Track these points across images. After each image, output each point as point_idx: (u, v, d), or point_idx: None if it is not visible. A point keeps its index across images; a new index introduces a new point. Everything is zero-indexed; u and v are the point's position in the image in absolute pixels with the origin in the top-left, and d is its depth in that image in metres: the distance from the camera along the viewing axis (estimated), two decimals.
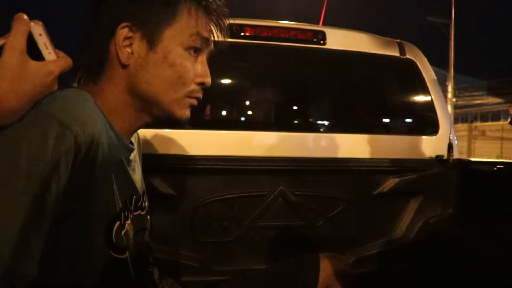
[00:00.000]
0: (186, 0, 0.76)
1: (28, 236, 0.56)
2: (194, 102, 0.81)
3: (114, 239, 0.70)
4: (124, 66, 0.74)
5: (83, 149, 0.61)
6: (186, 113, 0.81)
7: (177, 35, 0.75)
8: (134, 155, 0.85)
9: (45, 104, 0.61)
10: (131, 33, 0.73)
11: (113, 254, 0.70)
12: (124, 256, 0.73)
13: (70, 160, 0.60)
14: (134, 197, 0.81)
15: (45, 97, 0.62)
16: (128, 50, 0.74)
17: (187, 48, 0.77)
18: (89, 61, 0.75)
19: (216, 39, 0.84)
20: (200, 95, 0.82)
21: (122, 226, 0.73)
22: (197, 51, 0.79)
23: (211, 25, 0.82)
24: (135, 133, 0.92)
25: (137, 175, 0.86)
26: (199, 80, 0.80)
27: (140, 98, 0.76)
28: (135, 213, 0.81)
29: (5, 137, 0.57)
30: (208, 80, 0.81)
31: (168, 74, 0.75)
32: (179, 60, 0.76)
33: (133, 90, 0.75)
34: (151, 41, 0.74)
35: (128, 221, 0.76)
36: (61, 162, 0.59)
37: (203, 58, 0.81)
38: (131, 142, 0.84)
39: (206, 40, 0.80)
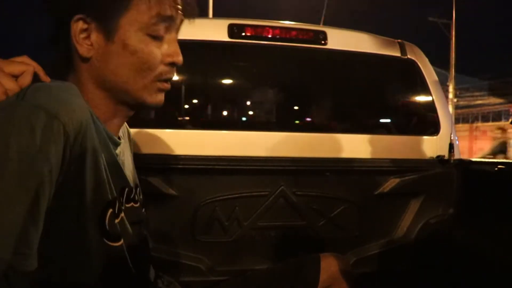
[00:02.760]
0: None
1: (26, 230, 0.56)
2: (165, 86, 0.79)
3: (107, 227, 0.69)
4: (86, 60, 0.73)
5: (72, 137, 0.61)
6: (158, 98, 0.78)
7: (134, 20, 0.72)
8: (122, 149, 0.85)
9: (30, 95, 0.60)
10: (86, 24, 0.72)
11: (107, 241, 0.69)
12: (118, 243, 0.72)
13: (61, 150, 0.59)
14: (126, 189, 0.80)
15: (29, 87, 0.62)
16: (87, 42, 0.72)
17: (149, 34, 0.74)
18: (56, 60, 0.75)
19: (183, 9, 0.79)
20: (172, 75, 0.79)
21: (115, 215, 0.72)
22: (161, 33, 0.75)
23: None
24: (124, 127, 0.92)
25: (127, 169, 0.86)
26: (168, 60, 0.77)
27: (111, 90, 0.75)
28: (128, 205, 0.81)
29: None
30: (178, 58, 0.77)
31: (132, 62, 0.73)
32: (140, 46, 0.73)
33: (101, 82, 0.75)
34: (107, 31, 0.72)
35: (122, 213, 0.75)
36: (51, 152, 0.58)
37: (171, 36, 0.77)
38: (119, 137, 0.83)
39: (170, 18, 0.75)
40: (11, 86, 0.63)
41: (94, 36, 0.72)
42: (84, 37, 0.72)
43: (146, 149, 1.52)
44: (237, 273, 1.52)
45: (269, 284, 1.19)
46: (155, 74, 0.76)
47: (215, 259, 1.61)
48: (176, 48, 0.78)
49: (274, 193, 1.64)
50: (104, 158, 0.70)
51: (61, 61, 0.75)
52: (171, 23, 0.76)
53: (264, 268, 1.50)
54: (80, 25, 0.72)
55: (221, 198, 1.60)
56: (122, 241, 0.73)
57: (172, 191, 1.53)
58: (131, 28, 0.72)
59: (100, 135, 0.71)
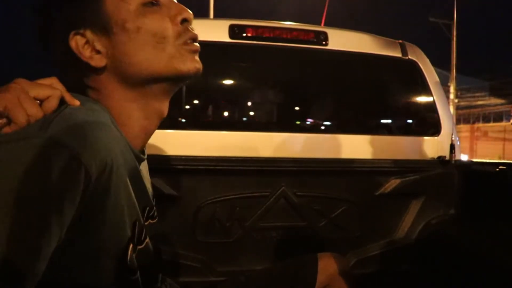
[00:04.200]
0: None
1: (29, 267, 0.52)
2: (194, 46, 0.72)
3: (128, 262, 0.67)
4: (103, 69, 0.69)
5: (94, 178, 0.56)
6: (193, 63, 0.72)
7: (123, 2, 0.68)
8: (145, 164, 0.82)
9: (54, 127, 0.55)
10: (83, 38, 0.68)
11: (126, 276, 0.67)
12: (135, 276, 0.70)
13: (79, 191, 0.55)
14: (147, 208, 0.78)
15: (55, 116, 0.58)
16: (94, 52, 0.69)
17: (141, 3, 0.69)
18: (74, 85, 0.69)
19: None
20: (192, 33, 0.72)
21: (135, 248, 0.69)
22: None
23: None
24: None
25: (147, 183, 0.82)
26: (178, 19, 0.71)
27: (141, 83, 0.70)
28: (146, 223, 0.78)
29: (6, 160, 0.52)
30: (187, 14, 0.72)
31: (142, 41, 0.68)
32: (140, 20, 0.68)
33: (127, 83, 0.70)
34: (102, 27, 0.68)
35: (147, 239, 0.73)
36: (66, 195, 0.54)
37: None
38: (143, 152, 0.78)
39: None
40: (34, 112, 0.58)
41: (97, 42, 0.69)
42: (90, 50, 0.69)
43: (147, 150, 1.52)
44: (238, 274, 1.52)
45: (267, 284, 1.19)
46: (173, 39, 0.70)
47: (216, 260, 1.61)
48: (178, 5, 0.73)
49: (275, 194, 1.64)
50: (130, 183, 0.67)
51: (78, 86, 0.71)
52: None
53: (263, 268, 1.50)
54: (79, 40, 0.68)
55: (222, 198, 1.60)
56: (138, 274, 0.71)
57: (173, 192, 1.54)
58: (121, 9, 0.68)
59: (127, 159, 0.67)
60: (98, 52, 0.69)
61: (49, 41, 0.72)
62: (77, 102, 0.64)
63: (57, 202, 0.53)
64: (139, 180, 0.73)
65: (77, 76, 0.71)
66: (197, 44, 0.73)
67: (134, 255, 0.69)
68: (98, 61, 0.69)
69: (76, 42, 0.68)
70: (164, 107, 0.76)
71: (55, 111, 0.60)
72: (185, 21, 0.72)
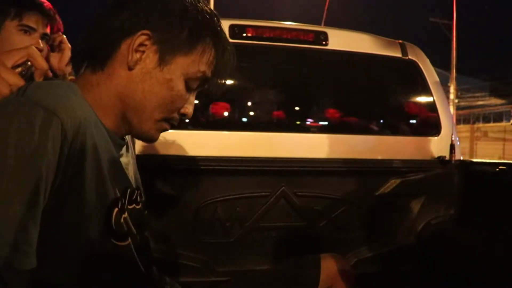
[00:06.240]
0: (208, 40, 0.78)
1: (25, 227, 0.56)
2: (168, 127, 0.83)
3: (113, 226, 0.70)
4: (129, 69, 0.75)
5: (70, 135, 0.61)
6: (156, 136, 0.83)
7: (187, 65, 0.77)
8: (124, 151, 0.85)
9: (29, 92, 0.61)
10: (148, 42, 0.74)
11: (114, 241, 0.70)
12: (126, 242, 0.73)
13: (58, 147, 0.60)
14: (129, 190, 0.81)
15: (29, 85, 0.63)
16: (138, 56, 0.74)
17: (188, 81, 0.79)
18: (97, 49, 0.75)
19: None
20: (174, 124, 0.84)
21: (121, 212, 0.73)
22: (193, 87, 0.81)
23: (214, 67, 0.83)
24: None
25: (130, 171, 0.86)
26: (183, 111, 0.82)
27: (127, 105, 0.76)
28: (130, 207, 0.81)
29: None
30: (190, 112, 0.84)
31: (164, 95, 0.77)
32: (178, 88, 0.77)
33: (125, 94, 0.75)
34: (163, 59, 0.75)
35: (125, 213, 0.76)
36: (48, 148, 0.58)
37: (194, 94, 0.84)
38: (122, 138, 0.83)
39: (205, 80, 0.82)
40: (15, 81, 0.65)
41: (147, 56, 0.74)
42: (138, 50, 0.74)
43: (147, 150, 1.53)
44: (238, 274, 1.52)
45: (269, 285, 1.19)
46: (170, 116, 0.80)
47: (216, 260, 1.61)
48: (193, 104, 0.84)
49: (275, 194, 1.64)
50: (106, 158, 0.70)
51: (101, 52, 0.76)
52: (202, 84, 0.82)
53: (265, 268, 1.50)
54: (143, 39, 0.73)
55: (222, 198, 1.60)
56: (129, 240, 0.74)
57: (173, 192, 1.54)
58: (181, 69, 0.77)
59: (103, 136, 0.71)
60: (140, 59, 0.74)
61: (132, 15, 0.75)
62: (45, 64, 0.72)
63: (44, 156, 0.58)
64: (115, 157, 0.76)
65: (106, 49, 0.75)
66: (169, 128, 0.84)
67: (121, 219, 0.72)
68: (133, 62, 0.74)
69: (141, 38, 0.73)
70: (124, 132, 0.81)
71: (30, 82, 0.65)
72: (183, 115, 0.83)
